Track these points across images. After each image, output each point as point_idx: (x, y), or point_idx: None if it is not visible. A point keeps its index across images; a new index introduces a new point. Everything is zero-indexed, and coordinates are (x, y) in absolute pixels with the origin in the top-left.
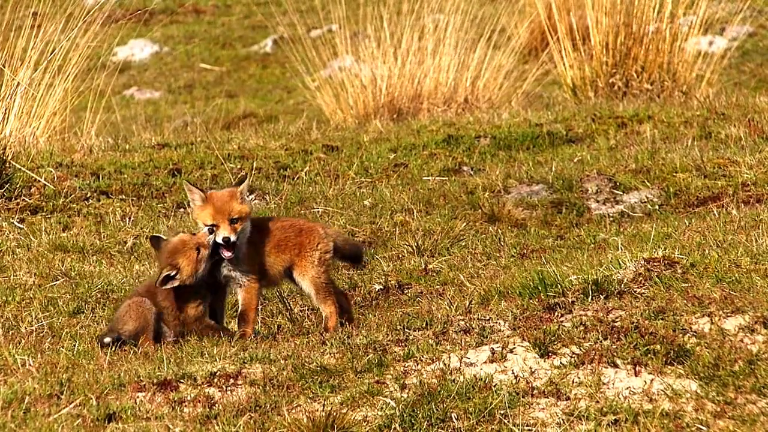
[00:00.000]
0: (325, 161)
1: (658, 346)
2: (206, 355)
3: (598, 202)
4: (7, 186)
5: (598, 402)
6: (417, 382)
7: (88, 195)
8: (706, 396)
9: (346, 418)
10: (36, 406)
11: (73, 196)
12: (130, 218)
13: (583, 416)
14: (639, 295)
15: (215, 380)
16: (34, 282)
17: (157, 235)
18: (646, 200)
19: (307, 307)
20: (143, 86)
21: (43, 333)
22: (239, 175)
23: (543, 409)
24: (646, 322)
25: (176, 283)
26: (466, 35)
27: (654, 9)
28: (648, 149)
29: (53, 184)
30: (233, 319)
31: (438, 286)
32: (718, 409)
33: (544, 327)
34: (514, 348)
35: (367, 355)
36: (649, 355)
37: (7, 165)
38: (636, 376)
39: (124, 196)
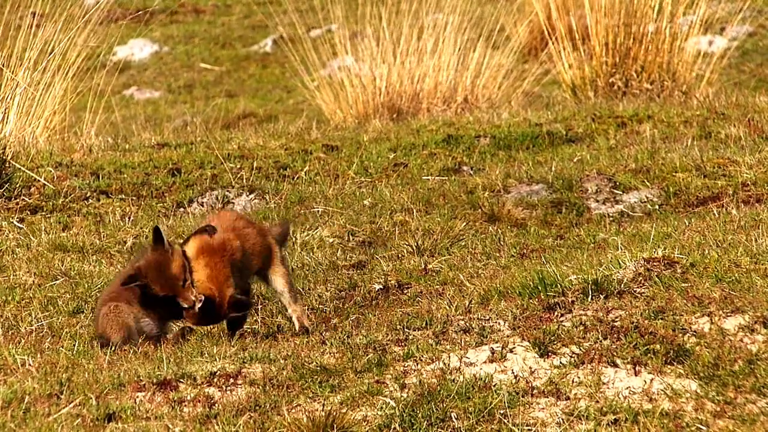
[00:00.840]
0: (325, 161)
1: (658, 346)
2: (206, 355)
3: (597, 201)
4: (6, 186)
5: (597, 402)
6: (417, 382)
7: (88, 195)
8: (705, 396)
9: (346, 418)
10: (36, 405)
11: (72, 195)
12: (129, 218)
13: (583, 416)
14: (639, 295)
15: (215, 380)
16: (33, 281)
17: (159, 228)
18: (645, 200)
19: (307, 307)
20: (143, 86)
21: (42, 333)
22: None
23: (543, 408)
24: (646, 321)
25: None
26: (465, 35)
27: (654, 9)
28: (648, 149)
29: (53, 184)
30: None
31: (438, 286)
32: (718, 409)
33: (544, 327)
34: (514, 348)
35: (367, 355)
36: (648, 354)
37: (7, 165)
38: (636, 375)
39: (123, 196)
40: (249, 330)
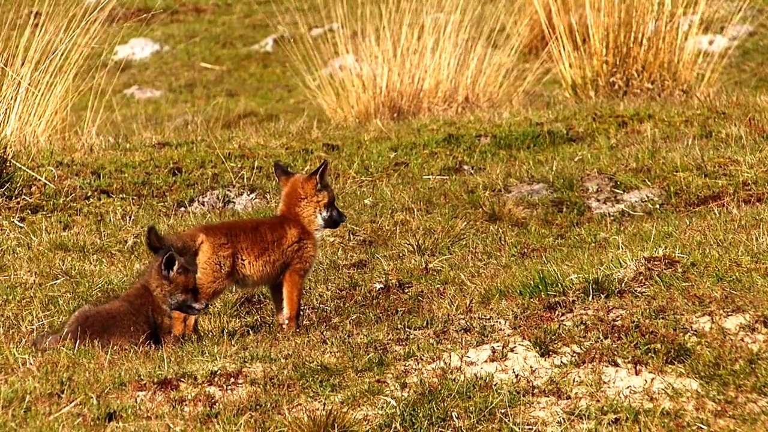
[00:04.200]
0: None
1: (659, 345)
2: (207, 354)
3: (598, 201)
4: (7, 185)
5: (598, 401)
6: (417, 381)
7: (89, 194)
8: (706, 395)
9: (347, 417)
10: (37, 405)
11: (73, 195)
12: (130, 217)
13: (584, 415)
14: (639, 294)
15: (216, 379)
16: (34, 281)
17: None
18: (646, 199)
19: (307, 306)
20: (144, 85)
21: (43, 331)
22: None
23: (543, 408)
24: (647, 321)
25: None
26: (466, 34)
27: (654, 8)
28: (648, 148)
29: (54, 183)
30: (233, 318)
31: (439, 285)
32: (719, 408)
33: (545, 326)
34: (515, 347)
35: (368, 354)
36: (649, 354)
37: (8, 164)
38: (637, 375)
39: (124, 195)
40: (249, 329)
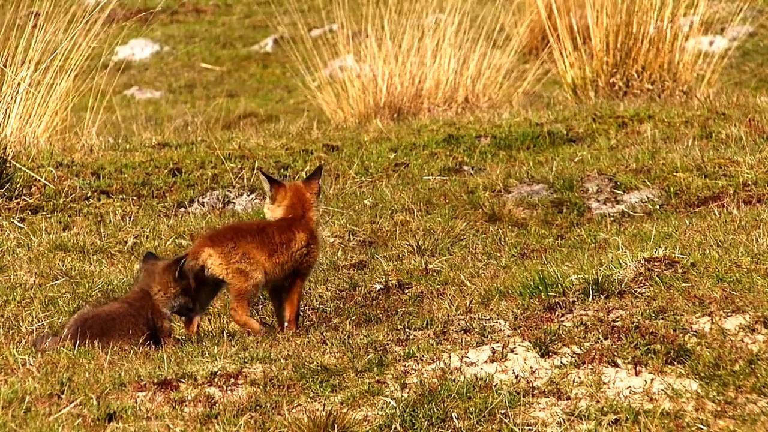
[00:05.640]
0: (326, 161)
1: (659, 346)
2: (207, 355)
3: (598, 201)
4: (7, 186)
5: (598, 402)
6: (417, 382)
7: (89, 194)
8: (706, 395)
9: (347, 418)
10: (36, 405)
11: (73, 195)
12: (130, 218)
13: (584, 416)
14: (639, 295)
15: (216, 380)
16: (34, 281)
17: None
18: (646, 200)
19: (307, 307)
20: (144, 86)
21: (43, 332)
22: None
23: (543, 408)
24: (647, 321)
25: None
26: (466, 35)
27: (655, 9)
28: (649, 149)
29: (54, 184)
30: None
31: (438, 286)
32: (719, 409)
33: (545, 327)
34: (515, 348)
35: (368, 355)
36: (649, 354)
37: (8, 164)
38: (636, 375)
39: (124, 196)
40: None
